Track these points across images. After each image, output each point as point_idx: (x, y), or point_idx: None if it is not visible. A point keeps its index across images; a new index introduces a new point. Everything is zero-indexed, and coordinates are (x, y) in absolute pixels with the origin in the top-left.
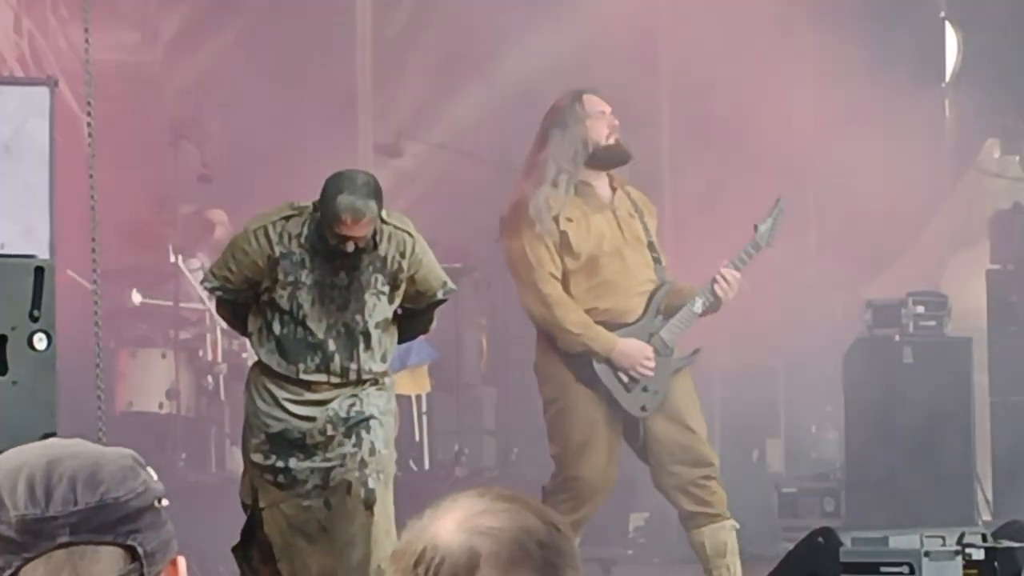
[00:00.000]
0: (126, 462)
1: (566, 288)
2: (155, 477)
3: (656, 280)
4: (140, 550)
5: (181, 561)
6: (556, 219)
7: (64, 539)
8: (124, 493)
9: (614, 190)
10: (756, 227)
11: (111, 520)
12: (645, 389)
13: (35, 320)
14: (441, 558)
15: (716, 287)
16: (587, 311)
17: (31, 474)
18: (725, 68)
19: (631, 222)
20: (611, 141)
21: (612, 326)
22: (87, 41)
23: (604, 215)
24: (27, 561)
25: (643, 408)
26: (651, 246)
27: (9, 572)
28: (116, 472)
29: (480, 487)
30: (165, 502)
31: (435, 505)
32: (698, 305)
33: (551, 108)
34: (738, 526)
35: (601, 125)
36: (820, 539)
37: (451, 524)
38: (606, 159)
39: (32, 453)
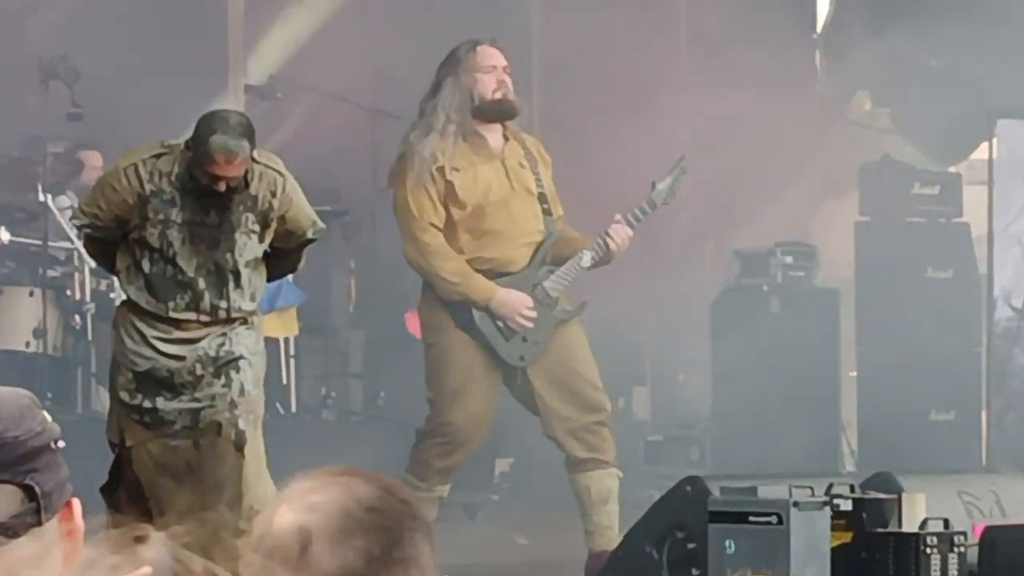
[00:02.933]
0: (23, 401)
1: (451, 237)
2: (47, 419)
3: (544, 231)
4: (38, 490)
5: (76, 503)
6: (442, 169)
7: None
8: (22, 432)
9: (506, 139)
10: (654, 184)
11: (9, 459)
12: (524, 339)
13: None
14: (275, 542)
15: (608, 242)
16: (472, 260)
17: None
18: (603, 26)
19: (521, 172)
20: (497, 95)
21: (496, 275)
22: None
23: (492, 165)
24: None
25: (521, 358)
26: (542, 197)
27: None
28: (14, 411)
29: (317, 468)
30: (61, 444)
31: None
32: (586, 259)
33: (448, 55)
34: (622, 475)
35: (489, 79)
36: (688, 488)
37: (284, 507)
38: (491, 112)
39: None
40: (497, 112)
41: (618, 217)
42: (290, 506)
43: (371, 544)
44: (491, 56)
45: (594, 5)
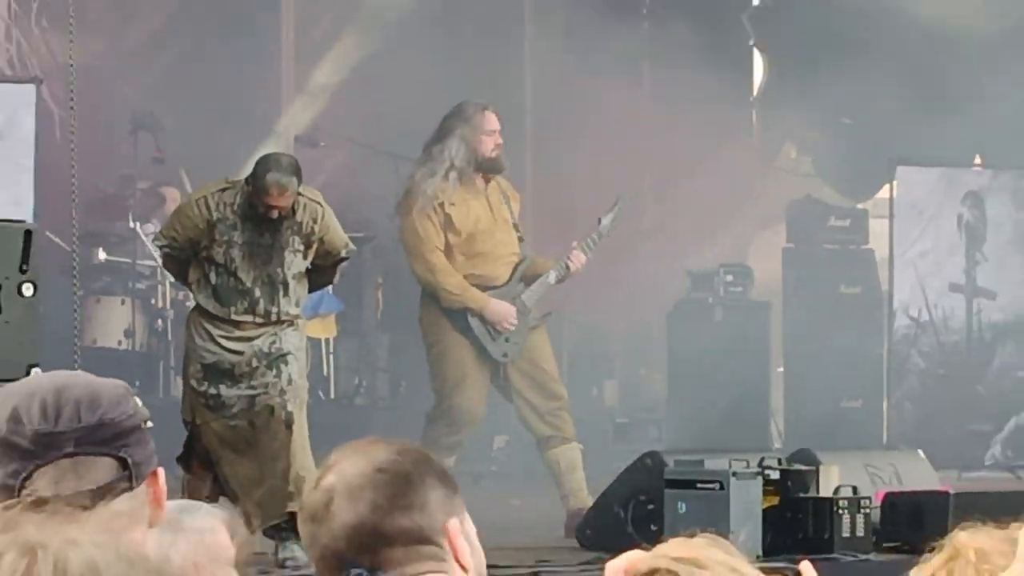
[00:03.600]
0: (119, 390)
1: (449, 258)
2: (139, 404)
3: (520, 254)
4: (130, 461)
5: (160, 472)
6: (442, 204)
7: (70, 450)
8: (118, 415)
9: (487, 181)
10: (599, 220)
11: (108, 436)
12: (507, 340)
13: (23, 272)
14: (309, 502)
15: (569, 264)
16: (465, 275)
17: (43, 397)
18: (582, 90)
19: (501, 207)
20: (493, 155)
21: (483, 288)
22: (70, 50)
23: (480, 201)
24: (38, 467)
25: (504, 355)
26: (516, 226)
27: (24, 475)
28: (113, 398)
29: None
30: (149, 424)
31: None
32: (552, 277)
33: (457, 109)
34: (582, 447)
35: (490, 141)
36: (648, 461)
37: (322, 474)
38: (487, 168)
39: (43, 380)
40: (491, 168)
41: (575, 244)
42: (325, 473)
43: (378, 496)
44: (492, 121)
45: (576, 72)
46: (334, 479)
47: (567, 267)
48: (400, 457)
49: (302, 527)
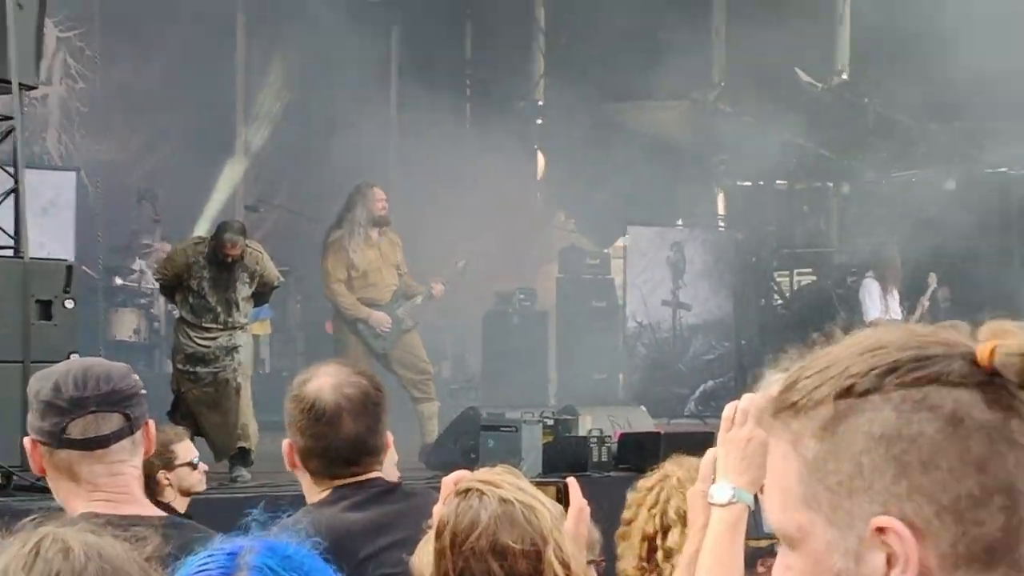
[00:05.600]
0: (124, 370)
1: (351, 286)
2: (138, 379)
3: (397, 284)
4: (131, 416)
5: (151, 423)
6: (347, 252)
7: (92, 409)
8: (124, 386)
9: (380, 234)
10: (457, 263)
11: (117, 400)
12: (384, 339)
13: (67, 292)
14: (322, 407)
15: (432, 291)
16: (360, 298)
17: (75, 374)
18: (425, 175)
19: (388, 253)
20: (382, 214)
21: (372, 305)
22: (98, 149)
23: (373, 250)
24: (72, 420)
25: (382, 348)
26: (398, 267)
27: (62, 425)
28: (120, 375)
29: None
30: (144, 392)
31: (315, 368)
32: (419, 300)
33: (357, 189)
34: (439, 404)
35: (380, 205)
36: (470, 412)
37: (327, 386)
38: (378, 223)
39: (75, 363)
40: (381, 222)
41: (437, 280)
42: (310, 380)
43: (371, 421)
44: (379, 194)
45: (421, 164)
46: (343, 399)
47: (431, 294)
48: (377, 391)
49: (298, 416)
